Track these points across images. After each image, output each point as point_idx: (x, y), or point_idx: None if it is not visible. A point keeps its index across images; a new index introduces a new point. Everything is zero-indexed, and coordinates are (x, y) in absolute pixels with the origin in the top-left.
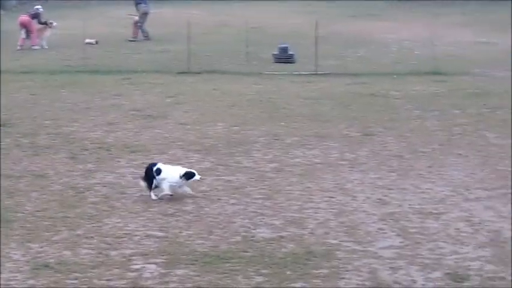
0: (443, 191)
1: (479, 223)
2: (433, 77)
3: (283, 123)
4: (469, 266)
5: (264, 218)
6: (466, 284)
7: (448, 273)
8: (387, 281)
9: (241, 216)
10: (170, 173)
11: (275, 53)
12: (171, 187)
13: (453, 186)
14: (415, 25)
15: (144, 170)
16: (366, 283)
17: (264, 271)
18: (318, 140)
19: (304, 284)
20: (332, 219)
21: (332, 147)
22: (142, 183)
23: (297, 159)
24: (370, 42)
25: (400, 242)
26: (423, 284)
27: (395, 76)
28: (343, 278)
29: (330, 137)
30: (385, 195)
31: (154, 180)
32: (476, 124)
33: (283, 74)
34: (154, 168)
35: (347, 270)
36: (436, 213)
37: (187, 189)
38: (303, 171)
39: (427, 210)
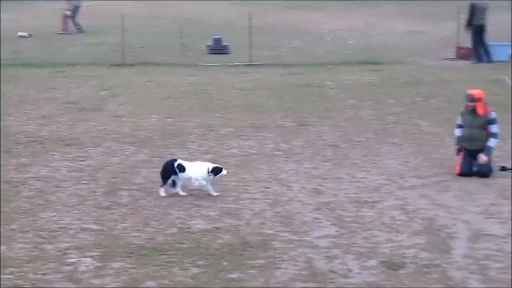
0: (378, 179)
1: (414, 211)
2: (367, 66)
3: (218, 115)
4: (404, 253)
5: (199, 210)
6: (401, 271)
7: (383, 261)
8: (323, 270)
9: (177, 208)
10: (196, 170)
11: (209, 44)
12: (197, 183)
13: (388, 174)
14: (348, 15)
15: (163, 165)
16: (302, 272)
17: (200, 262)
18: (253, 130)
19: (240, 275)
20: (268, 210)
21: (267, 138)
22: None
23: (232, 150)
24: (304, 32)
25: (336, 231)
26: (359, 273)
27: (329, 66)
28: (279, 268)
29: (265, 127)
30: (320, 185)
31: (172, 177)
32: (410, 113)
33: (218, 65)
34: (176, 164)
35: (283, 260)
36: (371, 202)
37: (210, 188)
38: (238, 162)
39: (362, 199)
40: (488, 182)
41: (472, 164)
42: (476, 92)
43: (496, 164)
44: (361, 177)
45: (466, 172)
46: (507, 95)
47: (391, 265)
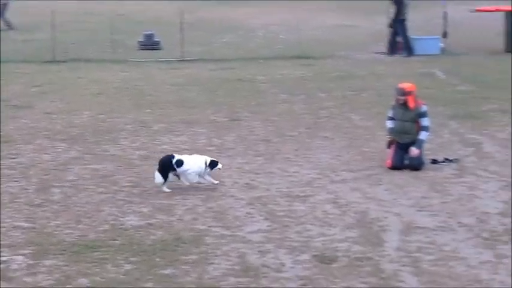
0: (310, 173)
1: (346, 205)
2: (299, 61)
3: (149, 110)
4: (337, 247)
5: (132, 206)
6: (334, 265)
7: (316, 255)
8: (255, 264)
9: (109, 205)
10: (194, 163)
11: (141, 40)
12: (198, 177)
13: (320, 168)
14: (280, 10)
15: (161, 162)
16: (235, 267)
17: (133, 259)
18: (185, 126)
19: (173, 271)
20: (200, 205)
21: (199, 133)
22: (159, 176)
23: (165, 146)
24: (236, 27)
25: (268, 226)
26: (291, 267)
27: (261, 61)
28: (212, 263)
29: (197, 122)
30: (253, 180)
31: (170, 174)
32: (341, 107)
33: (150, 61)
34: (174, 161)
35: (216, 256)
36: (303, 196)
37: (209, 179)
38: None
39: (294, 193)
40: (419, 175)
41: (404, 157)
42: (406, 85)
43: (427, 157)
44: (293, 172)
45: (397, 165)
46: (438, 88)
47: (324, 259)
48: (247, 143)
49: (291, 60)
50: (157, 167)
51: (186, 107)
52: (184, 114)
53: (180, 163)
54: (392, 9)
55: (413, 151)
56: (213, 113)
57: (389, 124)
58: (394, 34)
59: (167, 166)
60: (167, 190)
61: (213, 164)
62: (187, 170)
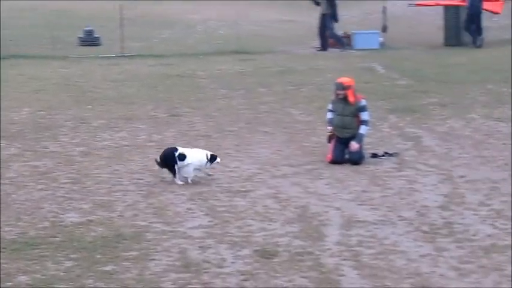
0: (250, 168)
1: (287, 199)
2: (239, 56)
3: (90, 107)
4: (278, 242)
5: (72, 203)
6: (275, 260)
7: (256, 250)
8: (196, 260)
9: (49, 202)
10: (196, 157)
11: (80, 36)
12: (196, 171)
13: (260, 163)
14: (219, 5)
15: (161, 155)
16: (176, 263)
17: (73, 256)
18: (125, 122)
19: (114, 267)
20: (141, 201)
21: (139, 129)
22: (165, 171)
23: (105, 142)
24: (175, 23)
25: (209, 221)
26: (232, 262)
27: (201, 56)
28: (153, 260)
29: (137, 118)
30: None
31: (176, 166)
32: (281, 102)
33: (89, 57)
34: (177, 154)
35: (157, 252)
36: (244, 191)
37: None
38: (111, 154)
39: (235, 189)
40: (359, 169)
41: (344, 151)
42: (345, 80)
43: (367, 151)
44: (234, 167)
45: (337, 160)
46: (378, 83)
47: (265, 254)
48: (188, 139)
49: (230, 55)
50: (160, 161)
51: (126, 103)
52: (124, 110)
53: (182, 157)
54: (322, 5)
55: (353, 145)
56: (153, 108)
57: (329, 115)
58: (324, 29)
59: (171, 159)
60: (180, 183)
61: (213, 158)
62: (189, 164)
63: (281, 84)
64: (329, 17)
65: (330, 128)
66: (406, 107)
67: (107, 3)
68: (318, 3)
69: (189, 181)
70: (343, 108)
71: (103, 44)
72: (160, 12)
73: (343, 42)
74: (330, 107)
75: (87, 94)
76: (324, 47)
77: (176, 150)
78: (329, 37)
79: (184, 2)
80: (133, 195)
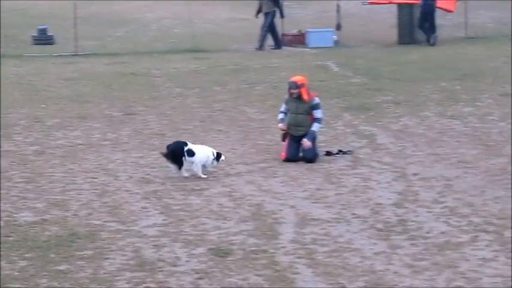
0: None
1: (241, 197)
2: (193, 54)
3: (44, 106)
4: (232, 240)
5: (26, 202)
6: (229, 258)
7: (211, 249)
8: (151, 259)
9: (3, 201)
10: (204, 154)
11: (34, 34)
12: (201, 167)
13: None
14: (174, 3)
15: (170, 147)
16: (130, 262)
17: (27, 255)
18: (79, 121)
19: (68, 266)
20: (95, 200)
21: (94, 128)
22: (172, 164)
23: (59, 141)
24: (130, 21)
25: (164, 220)
26: (187, 261)
27: (155, 55)
28: (107, 259)
29: (92, 117)
30: (148, 174)
31: (183, 159)
32: (236, 100)
33: (43, 56)
34: (186, 149)
35: (111, 251)
36: (199, 190)
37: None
38: (65, 153)
39: (189, 187)
40: (314, 167)
41: (298, 149)
42: (298, 78)
43: (321, 149)
44: None
45: (292, 158)
46: (332, 81)
47: (219, 252)
48: (142, 137)
49: (185, 53)
50: (167, 153)
51: (80, 102)
52: (78, 109)
53: (191, 153)
54: (265, 4)
55: (305, 143)
56: (107, 107)
57: (281, 115)
58: (271, 28)
59: (180, 152)
60: (187, 175)
61: (218, 156)
62: (197, 160)
63: (235, 82)
64: (271, 16)
65: (281, 125)
66: (360, 105)
67: (61, 2)
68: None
69: (202, 175)
70: (297, 106)
71: (57, 42)
72: (115, 11)
73: (263, 44)
74: (282, 108)
75: (41, 93)
76: (277, 45)
77: (186, 144)
78: (262, 34)
79: (139, 0)
80: (88, 194)
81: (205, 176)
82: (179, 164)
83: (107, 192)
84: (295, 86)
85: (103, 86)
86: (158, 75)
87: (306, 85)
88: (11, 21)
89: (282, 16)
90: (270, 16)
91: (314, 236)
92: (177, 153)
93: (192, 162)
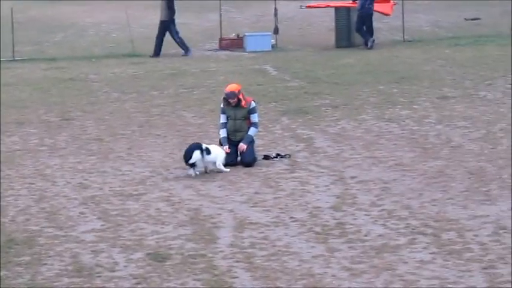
0: (143, 172)
1: (179, 202)
2: (131, 59)
3: None
4: (170, 245)
5: None
6: (167, 262)
7: (149, 254)
8: (89, 264)
9: None
10: (219, 152)
11: None
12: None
13: (153, 167)
14: (110, 8)
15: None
16: (68, 268)
17: None
18: (16, 126)
19: (5, 272)
20: (33, 206)
21: (31, 133)
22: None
23: None
24: (67, 26)
25: (102, 225)
26: (125, 266)
27: (93, 60)
28: (45, 264)
29: (29, 123)
30: (86, 179)
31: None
32: (174, 104)
33: None
34: (204, 148)
35: (49, 256)
36: (137, 195)
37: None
38: (2, 158)
39: (127, 192)
40: (252, 171)
41: (236, 154)
42: (234, 87)
43: (259, 153)
44: (126, 170)
45: (230, 162)
46: (269, 84)
47: (157, 257)
48: (80, 143)
49: (122, 58)
50: (186, 156)
51: (17, 107)
52: (15, 115)
53: (209, 151)
54: (162, 12)
55: (241, 146)
56: (45, 112)
57: (223, 133)
58: (161, 36)
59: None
60: (194, 175)
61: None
62: (213, 158)
63: (173, 87)
64: (169, 23)
65: (226, 148)
66: (298, 108)
67: None
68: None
69: (226, 169)
70: (235, 113)
71: None
72: (53, 15)
73: (188, 48)
74: (222, 119)
75: None
76: (156, 53)
77: (201, 145)
78: (178, 42)
79: (77, 5)
80: (25, 200)
81: (228, 170)
82: (193, 165)
83: (44, 197)
84: (234, 95)
85: (40, 92)
86: (96, 80)
87: (241, 91)
88: None
89: (173, 24)
90: (167, 24)
91: (252, 240)
92: (190, 154)
93: (214, 161)
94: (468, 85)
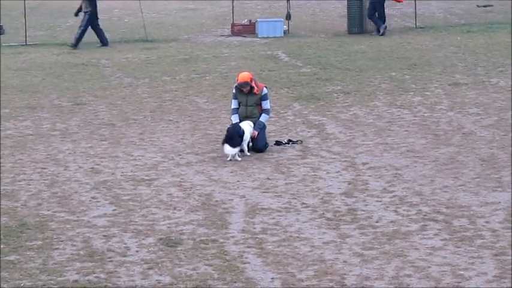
0: (155, 157)
1: (191, 187)
2: (143, 44)
3: None
4: (182, 230)
5: None
6: (179, 248)
7: (161, 239)
8: (101, 249)
9: None
10: (247, 132)
11: None
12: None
13: (164, 152)
14: None
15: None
16: (80, 252)
17: None
18: (29, 111)
19: (17, 257)
20: (45, 190)
21: (43, 118)
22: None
23: (8, 132)
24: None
25: (113, 210)
26: (137, 251)
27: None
28: (57, 249)
29: (41, 107)
30: (98, 164)
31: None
32: (186, 90)
33: None
34: (241, 129)
35: (61, 241)
36: (148, 180)
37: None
38: (14, 143)
39: (139, 177)
40: (263, 157)
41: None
42: (246, 75)
43: (271, 139)
44: (138, 155)
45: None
46: (281, 71)
47: (169, 242)
48: (92, 128)
49: (135, 43)
50: (228, 138)
51: (30, 92)
52: (28, 99)
53: (243, 132)
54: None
55: (253, 132)
56: (57, 97)
57: (235, 116)
58: (91, 26)
59: (240, 134)
60: (239, 159)
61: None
62: (246, 138)
63: (185, 72)
64: (90, 15)
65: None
66: (309, 94)
67: None
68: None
69: (247, 152)
70: (247, 99)
71: (6, 32)
72: (65, 1)
73: (78, 41)
74: (233, 104)
75: None
76: (103, 42)
77: (239, 126)
78: (78, 35)
79: None
80: (37, 185)
81: (249, 153)
82: (240, 145)
83: (56, 182)
84: (246, 84)
85: (53, 76)
86: (108, 65)
87: (253, 78)
88: None
89: (96, 17)
90: (87, 15)
91: (264, 225)
92: (235, 135)
93: (247, 140)
94: (480, 72)
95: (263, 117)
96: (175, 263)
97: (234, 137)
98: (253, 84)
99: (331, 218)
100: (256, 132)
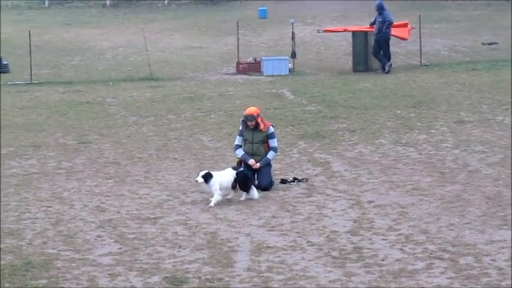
0: (160, 195)
1: (196, 226)
2: (148, 82)
3: None
4: (187, 268)
5: None
6: (184, 286)
7: (166, 277)
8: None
9: None
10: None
11: None
12: None
13: (170, 190)
14: (128, 31)
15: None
16: None
17: None
18: (34, 149)
19: None
20: (50, 229)
21: (49, 157)
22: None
23: (13, 170)
24: (85, 49)
25: (119, 249)
26: None
27: (111, 83)
28: None
29: (47, 146)
30: (103, 203)
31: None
32: (191, 128)
33: None
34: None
35: (66, 279)
36: (154, 218)
37: None
38: (19, 181)
39: (144, 216)
40: (269, 195)
41: (254, 177)
42: (252, 110)
43: (276, 177)
44: (143, 194)
45: None
46: (287, 109)
47: (174, 280)
48: (97, 166)
49: (140, 82)
50: (242, 184)
51: (35, 130)
52: (33, 138)
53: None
54: None
55: (251, 161)
56: (62, 136)
57: (239, 151)
58: None
59: (252, 178)
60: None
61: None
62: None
63: (190, 110)
64: None
65: (252, 161)
66: (315, 132)
67: (15, 29)
68: None
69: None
70: (253, 136)
71: (12, 71)
72: (70, 39)
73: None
74: (237, 141)
75: None
76: None
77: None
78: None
79: (93, 28)
80: (43, 223)
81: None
82: (250, 189)
83: (61, 221)
84: (252, 118)
85: (58, 115)
86: (113, 103)
87: (260, 114)
88: None
89: None
90: None
91: (269, 264)
92: (250, 180)
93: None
94: (485, 109)
95: (270, 154)
96: None
97: (250, 182)
98: (259, 121)
99: (337, 257)
100: (258, 165)
